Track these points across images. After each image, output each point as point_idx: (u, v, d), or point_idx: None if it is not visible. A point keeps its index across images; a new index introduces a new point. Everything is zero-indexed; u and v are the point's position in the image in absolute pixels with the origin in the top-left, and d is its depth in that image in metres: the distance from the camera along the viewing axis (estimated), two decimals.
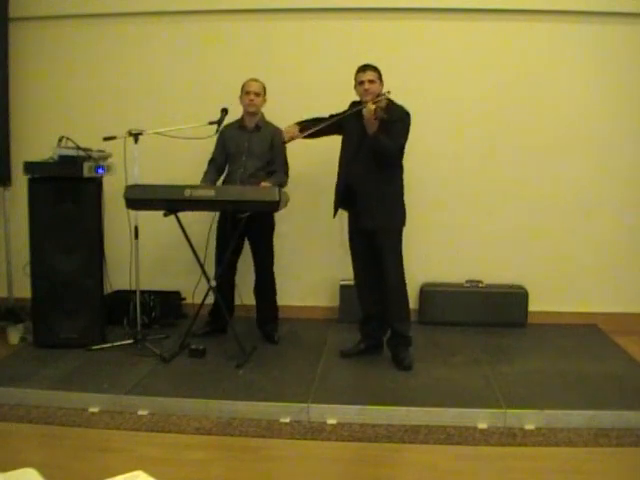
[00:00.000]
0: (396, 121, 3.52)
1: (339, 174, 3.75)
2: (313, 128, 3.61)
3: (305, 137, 3.69)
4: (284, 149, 4.06)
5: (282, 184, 3.95)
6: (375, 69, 3.63)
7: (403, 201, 3.71)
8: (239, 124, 4.08)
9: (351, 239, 3.83)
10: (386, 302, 3.73)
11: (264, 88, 4.04)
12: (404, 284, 3.74)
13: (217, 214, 4.15)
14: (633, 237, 4.57)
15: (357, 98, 3.69)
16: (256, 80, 4.02)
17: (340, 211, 3.81)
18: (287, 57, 4.59)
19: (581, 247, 4.60)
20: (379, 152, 3.52)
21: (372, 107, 3.40)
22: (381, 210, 3.61)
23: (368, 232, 3.66)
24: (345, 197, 3.71)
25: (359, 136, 3.57)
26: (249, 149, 4.02)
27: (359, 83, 3.62)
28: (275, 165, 4.04)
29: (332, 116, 3.69)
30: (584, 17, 4.42)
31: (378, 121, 3.43)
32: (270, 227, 4.12)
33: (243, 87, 4.01)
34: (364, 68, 3.63)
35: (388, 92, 3.50)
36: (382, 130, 3.47)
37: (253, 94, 3.97)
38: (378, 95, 3.54)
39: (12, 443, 2.98)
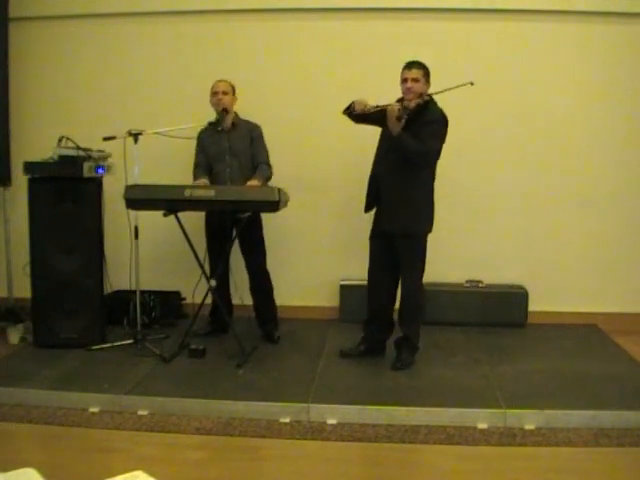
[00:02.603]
0: (430, 123, 3.44)
1: (372, 170, 3.72)
2: (375, 108, 3.47)
3: (361, 117, 3.57)
4: (264, 144, 4.09)
5: (268, 177, 4.00)
6: (421, 67, 3.51)
7: (429, 207, 3.62)
8: (214, 126, 4.06)
9: (371, 237, 3.79)
10: (400, 305, 3.72)
11: (232, 87, 4.07)
12: (419, 292, 3.73)
13: (204, 216, 4.14)
14: (633, 237, 4.57)
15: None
16: (223, 80, 4.05)
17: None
18: (287, 57, 4.58)
19: (581, 247, 4.60)
20: (403, 153, 3.45)
21: (396, 108, 3.35)
22: (401, 214, 3.55)
23: (387, 234, 3.64)
24: (374, 194, 3.67)
25: (389, 135, 3.50)
26: (231, 148, 4.04)
27: (403, 80, 3.52)
28: (259, 158, 4.06)
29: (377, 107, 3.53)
30: (584, 17, 4.42)
31: (401, 122, 3.37)
32: (258, 224, 4.10)
33: (211, 89, 4.04)
34: (410, 65, 3.52)
35: (471, 83, 3.33)
36: (413, 132, 3.41)
37: (221, 93, 3.99)
38: (420, 95, 3.45)
39: (12, 443, 2.98)
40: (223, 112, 3.98)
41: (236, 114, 4.11)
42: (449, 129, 3.53)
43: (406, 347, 3.72)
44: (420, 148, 3.42)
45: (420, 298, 3.78)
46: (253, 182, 3.87)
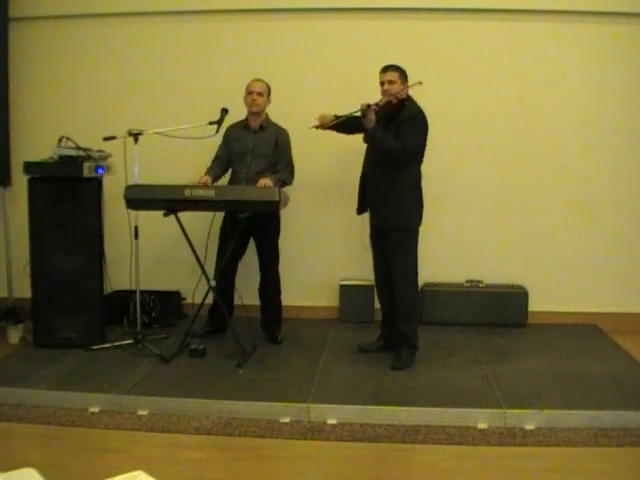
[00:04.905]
0: (407, 120, 3.53)
1: (361, 172, 3.80)
2: (336, 120, 3.62)
3: (330, 128, 3.69)
4: (289, 150, 4.07)
5: (286, 182, 3.96)
6: (397, 69, 3.64)
7: (415, 203, 3.68)
8: (244, 124, 4.08)
9: (370, 237, 3.87)
10: (395, 303, 3.74)
11: (268, 88, 4.04)
12: (412, 286, 3.75)
13: (220, 213, 4.14)
14: (633, 237, 4.57)
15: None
16: (259, 80, 4.02)
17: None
18: (287, 57, 4.59)
19: (581, 247, 4.60)
20: (377, 149, 3.55)
21: (364, 105, 3.45)
22: (387, 210, 3.63)
23: (379, 232, 3.71)
24: (363, 195, 3.76)
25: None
26: (253, 149, 4.01)
27: (380, 84, 3.64)
28: (280, 165, 4.03)
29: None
30: (583, 17, 4.42)
31: (368, 118, 3.46)
32: (275, 228, 4.11)
33: (247, 87, 4.01)
34: (385, 69, 3.65)
35: (419, 82, 3.48)
36: (392, 130, 3.51)
37: (256, 94, 3.97)
38: (397, 94, 3.56)
39: (12, 443, 2.99)
40: (223, 112, 3.97)
41: (267, 116, 4.08)
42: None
43: (405, 346, 3.73)
44: (395, 144, 3.50)
45: (414, 294, 3.79)
46: (264, 180, 3.81)
